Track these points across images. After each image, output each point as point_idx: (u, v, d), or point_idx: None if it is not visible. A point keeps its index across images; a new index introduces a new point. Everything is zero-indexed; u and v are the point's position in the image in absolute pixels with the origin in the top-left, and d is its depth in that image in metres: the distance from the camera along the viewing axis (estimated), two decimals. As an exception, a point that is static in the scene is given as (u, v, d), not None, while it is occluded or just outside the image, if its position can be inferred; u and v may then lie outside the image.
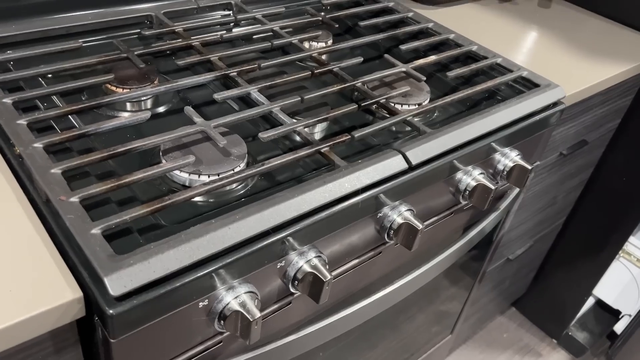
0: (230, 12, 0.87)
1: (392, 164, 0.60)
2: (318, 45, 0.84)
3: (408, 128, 0.71)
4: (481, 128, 0.69)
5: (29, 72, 0.63)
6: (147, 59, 0.74)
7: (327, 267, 0.55)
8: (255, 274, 0.52)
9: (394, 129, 0.71)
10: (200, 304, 0.48)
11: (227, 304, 0.50)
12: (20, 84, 0.64)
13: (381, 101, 0.70)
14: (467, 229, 0.80)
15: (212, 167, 0.57)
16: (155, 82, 0.68)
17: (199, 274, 0.46)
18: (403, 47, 0.83)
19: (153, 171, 0.52)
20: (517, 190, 0.88)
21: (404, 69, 0.77)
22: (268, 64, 0.73)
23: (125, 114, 0.66)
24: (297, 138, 0.66)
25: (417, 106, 0.73)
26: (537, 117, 0.76)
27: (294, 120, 0.62)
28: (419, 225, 0.61)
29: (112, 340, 0.43)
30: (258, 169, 0.55)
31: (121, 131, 0.63)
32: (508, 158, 0.75)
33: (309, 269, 0.54)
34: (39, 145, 0.52)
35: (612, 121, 1.15)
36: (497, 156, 0.74)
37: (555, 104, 0.80)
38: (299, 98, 0.67)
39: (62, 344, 0.46)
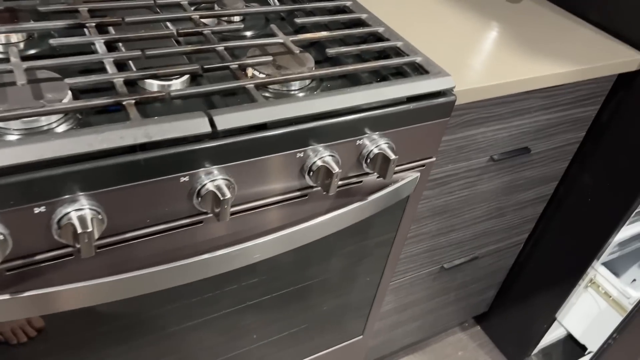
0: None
1: (194, 125, 0.56)
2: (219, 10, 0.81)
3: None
4: (331, 104, 0.65)
5: None
6: (17, 5, 0.73)
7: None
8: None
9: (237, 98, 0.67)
10: None
11: None
12: None
13: (231, 67, 0.66)
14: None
15: (12, 107, 0.56)
16: (14, 24, 0.68)
17: None
18: (298, 20, 0.79)
19: None
20: (409, 179, 0.81)
21: (281, 41, 0.73)
22: (134, 20, 0.71)
23: None
24: (119, 89, 0.62)
25: (266, 76, 0.69)
26: (411, 105, 0.70)
27: (113, 72, 0.61)
28: (225, 196, 0.58)
29: None
30: (37, 110, 0.54)
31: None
32: (374, 144, 0.70)
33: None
34: None
35: (571, 132, 1.04)
36: (362, 140, 0.69)
37: (440, 94, 0.73)
38: (140, 52, 0.65)
39: None
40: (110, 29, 0.71)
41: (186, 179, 0.59)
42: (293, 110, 0.62)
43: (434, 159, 0.80)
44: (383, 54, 0.79)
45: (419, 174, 0.80)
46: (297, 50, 0.72)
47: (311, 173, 0.67)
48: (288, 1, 0.91)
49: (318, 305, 0.91)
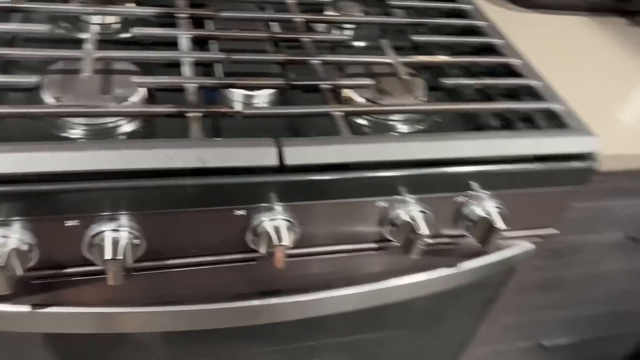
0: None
1: (258, 155, 0.47)
2: (333, 15, 0.71)
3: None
4: (435, 151, 0.52)
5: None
6: None
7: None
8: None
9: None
10: None
11: None
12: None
13: (322, 86, 0.56)
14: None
15: (76, 99, 0.51)
16: (116, 5, 0.63)
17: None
18: (414, 37, 0.67)
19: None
20: (520, 250, 0.66)
21: (389, 61, 0.62)
22: (229, 15, 0.63)
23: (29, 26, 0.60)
24: (190, 97, 0.55)
25: (366, 101, 0.58)
26: (537, 165, 0.56)
27: (189, 75, 0.53)
28: (281, 241, 0.48)
29: None
30: (98, 109, 0.48)
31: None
32: (481, 205, 0.56)
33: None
34: None
35: None
36: (465, 197, 0.56)
37: (578, 157, 0.57)
38: (225, 56, 0.57)
39: None
40: (206, 21, 0.64)
41: (242, 212, 0.50)
42: (383, 153, 0.50)
43: (555, 231, 0.64)
44: (512, 92, 0.64)
45: (533, 247, 0.65)
46: (405, 75, 0.60)
47: (393, 227, 0.55)
48: (413, 12, 0.78)
49: (382, 362, 0.79)
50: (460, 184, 0.55)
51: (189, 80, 0.52)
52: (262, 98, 0.58)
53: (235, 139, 0.47)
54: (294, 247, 0.52)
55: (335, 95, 0.60)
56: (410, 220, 0.53)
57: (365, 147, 0.50)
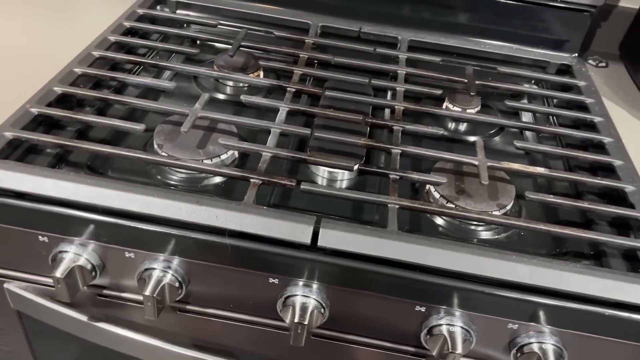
0: (376, 47, 0.81)
1: (293, 231, 0.49)
2: (453, 108, 0.71)
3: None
4: (492, 270, 0.48)
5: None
6: (252, 53, 0.75)
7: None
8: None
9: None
10: (40, 238, 0.53)
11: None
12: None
13: (391, 176, 0.56)
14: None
15: (174, 148, 0.59)
16: (246, 73, 0.71)
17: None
18: (519, 143, 0.63)
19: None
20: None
21: (475, 162, 0.59)
22: (333, 95, 0.67)
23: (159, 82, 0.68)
24: (261, 165, 0.58)
25: (447, 203, 0.56)
26: (618, 313, 0.48)
27: (269, 145, 0.58)
28: (304, 320, 0.49)
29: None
30: (195, 165, 0.55)
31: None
32: (537, 338, 0.50)
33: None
34: (78, 69, 0.65)
35: None
36: (519, 327, 0.51)
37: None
38: (309, 131, 0.61)
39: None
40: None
41: (275, 281, 0.52)
42: (428, 257, 0.48)
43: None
44: (620, 224, 0.57)
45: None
46: (485, 180, 0.57)
47: (429, 336, 0.52)
48: (534, 116, 0.74)
49: None
50: (518, 311, 0.50)
51: (267, 149, 0.57)
52: (343, 176, 0.61)
53: (280, 211, 0.50)
54: (321, 327, 0.53)
55: (414, 187, 0.60)
56: (446, 335, 0.50)
57: (406, 247, 0.48)
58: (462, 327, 0.50)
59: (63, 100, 0.61)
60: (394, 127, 0.63)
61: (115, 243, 0.52)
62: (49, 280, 0.56)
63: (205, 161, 0.57)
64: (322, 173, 0.61)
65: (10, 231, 0.53)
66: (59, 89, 0.61)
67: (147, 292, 0.50)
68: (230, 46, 0.73)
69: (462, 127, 0.72)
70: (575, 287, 0.48)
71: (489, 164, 0.59)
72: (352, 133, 0.63)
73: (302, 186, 0.53)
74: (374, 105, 0.68)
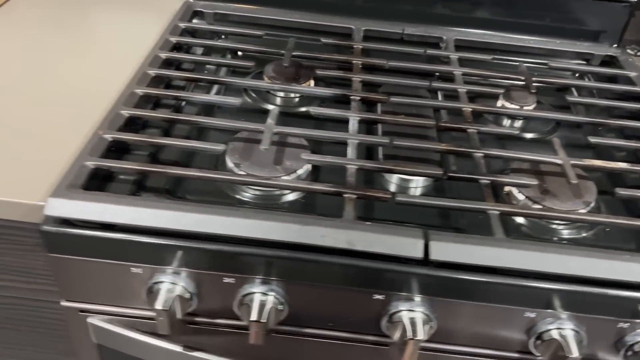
0: (429, 47, 0.80)
1: (404, 245, 0.48)
2: (510, 106, 0.70)
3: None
4: (597, 270, 0.48)
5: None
6: (300, 62, 0.73)
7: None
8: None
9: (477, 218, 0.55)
10: (133, 269, 0.51)
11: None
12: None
13: (482, 181, 0.55)
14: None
15: (252, 166, 0.57)
16: (299, 83, 0.69)
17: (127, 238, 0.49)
18: (593, 139, 0.63)
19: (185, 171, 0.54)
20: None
21: (559, 162, 0.59)
22: (399, 100, 0.66)
23: (225, 98, 0.67)
24: (348, 177, 0.57)
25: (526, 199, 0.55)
26: None
27: (351, 157, 0.56)
28: (416, 335, 0.48)
29: (47, 254, 0.50)
30: (268, 181, 0.53)
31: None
32: (646, 337, 0.50)
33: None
34: (139, 90, 0.63)
35: None
36: (629, 325, 0.50)
37: None
38: (388, 140, 0.59)
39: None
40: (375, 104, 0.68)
41: (381, 297, 0.50)
42: (539, 263, 0.48)
43: None
44: None
45: None
46: (575, 179, 0.56)
47: (539, 341, 0.51)
48: (595, 110, 0.74)
49: None
50: (626, 309, 0.49)
51: (351, 162, 0.56)
52: (417, 183, 0.60)
53: (384, 226, 0.49)
54: (429, 341, 0.52)
55: (494, 189, 0.59)
56: (559, 339, 0.49)
57: (519, 254, 0.47)
58: (572, 330, 0.50)
59: (129, 124, 0.59)
60: (469, 130, 0.62)
61: (213, 269, 0.50)
62: (136, 312, 0.54)
63: (283, 177, 0.56)
64: (395, 181, 0.60)
65: (98, 265, 0.51)
66: (125, 112, 0.59)
67: (254, 318, 0.49)
68: (278, 57, 0.71)
69: (518, 124, 0.71)
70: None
71: (572, 162, 0.59)
72: (422, 138, 0.62)
73: (397, 198, 0.52)
74: (440, 108, 0.67)
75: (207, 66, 0.75)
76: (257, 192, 0.56)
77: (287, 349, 0.56)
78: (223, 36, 0.82)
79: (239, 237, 0.48)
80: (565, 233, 0.56)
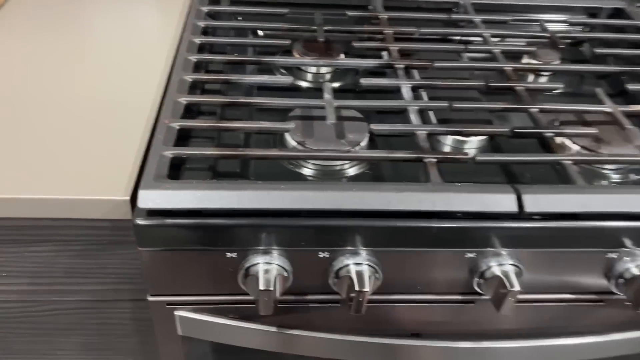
0: (449, 13, 0.81)
1: (498, 201, 0.49)
2: (534, 62, 0.72)
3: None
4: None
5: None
6: (334, 37, 0.74)
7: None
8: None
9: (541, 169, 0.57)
10: (228, 254, 0.50)
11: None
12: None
13: (546, 134, 0.57)
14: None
15: (317, 142, 0.57)
16: (333, 57, 0.69)
17: (229, 222, 0.48)
18: (630, 86, 0.66)
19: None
20: None
21: (609, 110, 0.61)
22: (443, 65, 0.67)
23: (277, 78, 0.67)
24: (421, 143, 0.58)
25: (588, 152, 0.58)
26: None
27: (417, 123, 0.57)
28: (511, 286, 0.50)
29: (139, 248, 0.49)
30: (341, 154, 0.53)
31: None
32: None
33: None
34: (188, 77, 0.61)
35: None
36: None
37: None
38: (447, 104, 0.60)
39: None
40: (416, 72, 0.68)
41: (472, 255, 0.52)
42: (624, 203, 0.50)
43: None
44: None
45: None
46: (629, 124, 0.59)
47: (621, 279, 0.54)
48: (613, 60, 0.78)
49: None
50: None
51: (419, 127, 0.56)
52: (472, 144, 0.61)
53: (474, 185, 0.50)
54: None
55: (547, 142, 0.61)
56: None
57: (606, 198, 0.50)
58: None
59: (188, 110, 0.58)
60: (517, 88, 0.64)
61: (309, 245, 0.50)
62: (223, 298, 0.54)
63: (350, 149, 0.56)
64: (450, 142, 0.61)
65: (190, 254, 0.50)
66: (183, 100, 0.57)
67: (362, 288, 0.49)
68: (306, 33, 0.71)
69: (547, 79, 0.74)
70: None
71: (621, 108, 0.61)
72: (475, 101, 0.64)
73: (477, 158, 0.53)
74: (482, 69, 0.69)
75: (242, 47, 0.74)
76: (322, 168, 0.56)
77: (379, 318, 0.57)
78: (239, 17, 0.81)
79: (338, 209, 0.48)
80: (616, 177, 0.59)
